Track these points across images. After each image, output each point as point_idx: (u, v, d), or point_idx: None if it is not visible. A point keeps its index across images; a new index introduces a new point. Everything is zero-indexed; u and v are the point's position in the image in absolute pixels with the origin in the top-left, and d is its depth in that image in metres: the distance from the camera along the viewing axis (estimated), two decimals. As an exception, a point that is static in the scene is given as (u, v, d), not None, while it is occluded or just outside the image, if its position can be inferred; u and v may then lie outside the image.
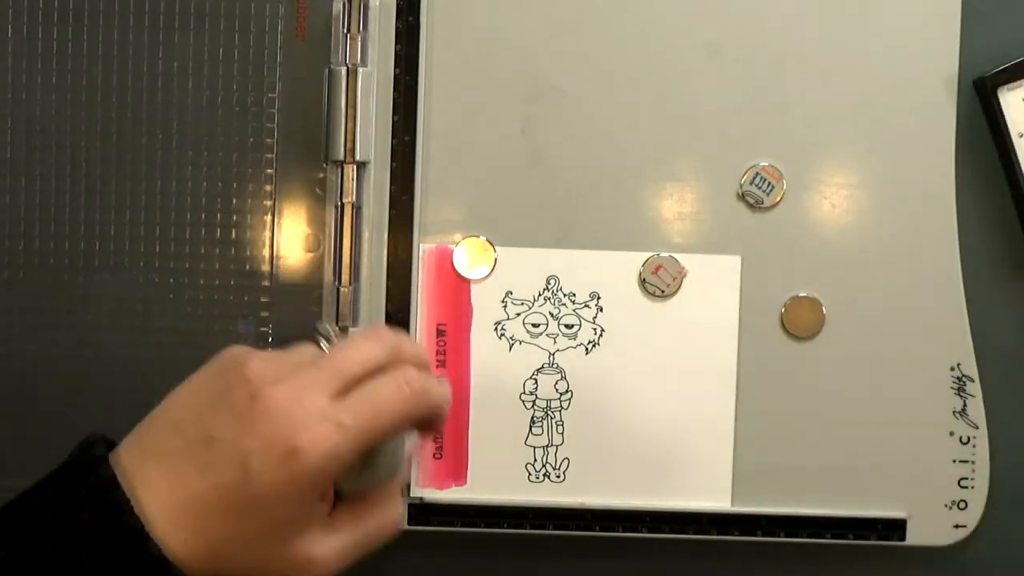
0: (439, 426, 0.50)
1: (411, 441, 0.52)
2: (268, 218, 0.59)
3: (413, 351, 0.50)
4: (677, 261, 0.58)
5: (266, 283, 0.59)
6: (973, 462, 0.59)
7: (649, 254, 0.59)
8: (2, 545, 0.43)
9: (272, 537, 0.45)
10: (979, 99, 0.58)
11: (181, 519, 0.44)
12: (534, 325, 0.59)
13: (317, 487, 0.45)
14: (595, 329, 0.59)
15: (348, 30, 0.57)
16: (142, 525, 0.43)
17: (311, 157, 0.58)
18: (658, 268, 0.58)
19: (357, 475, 0.48)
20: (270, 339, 0.59)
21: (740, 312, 0.59)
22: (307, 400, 0.45)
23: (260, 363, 0.46)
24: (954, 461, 0.59)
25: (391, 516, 0.50)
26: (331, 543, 0.47)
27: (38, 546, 0.43)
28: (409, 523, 0.58)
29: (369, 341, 0.49)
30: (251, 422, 0.45)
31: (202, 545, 0.44)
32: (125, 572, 0.43)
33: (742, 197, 0.58)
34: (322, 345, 0.50)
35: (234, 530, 0.45)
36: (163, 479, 0.45)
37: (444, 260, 0.58)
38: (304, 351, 0.49)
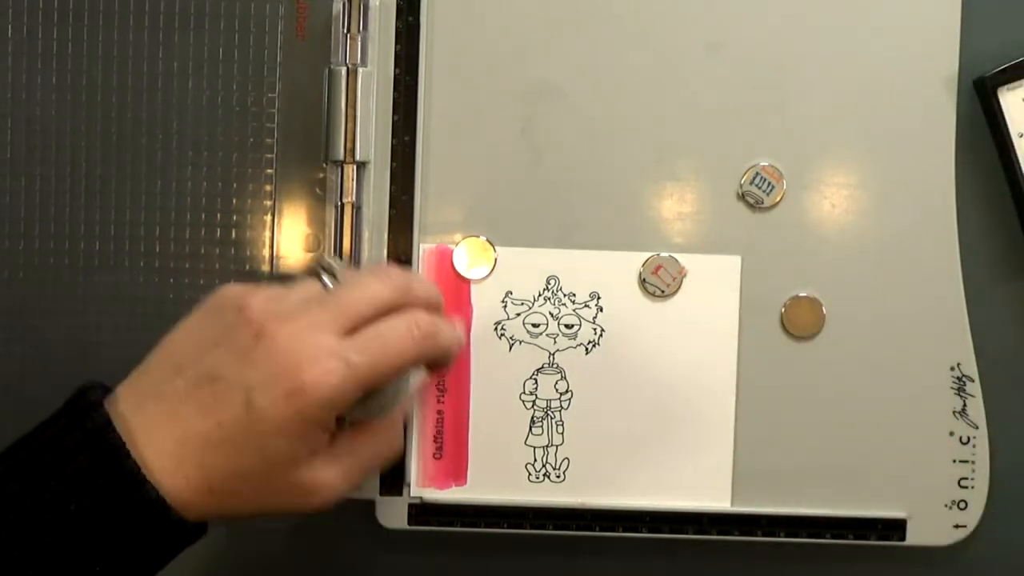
0: (448, 366, 0.51)
1: (417, 376, 0.52)
2: (268, 218, 0.59)
3: (423, 291, 0.50)
4: (677, 261, 0.58)
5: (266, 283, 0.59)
6: (973, 462, 0.59)
7: (649, 254, 0.59)
8: None
9: (275, 471, 0.45)
10: (979, 99, 0.58)
11: (181, 458, 0.44)
12: (534, 325, 0.59)
13: (321, 422, 0.45)
14: (595, 329, 0.59)
15: (348, 30, 0.57)
16: (138, 468, 0.43)
17: (311, 157, 0.58)
18: (658, 268, 0.58)
19: (360, 407, 0.48)
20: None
21: (740, 312, 0.59)
22: (314, 338, 0.45)
23: (262, 302, 0.46)
24: (954, 461, 0.59)
25: (391, 442, 0.50)
26: (333, 470, 0.47)
27: (34, 491, 0.43)
28: (409, 523, 0.58)
29: (378, 281, 0.48)
30: (256, 359, 0.45)
31: (203, 482, 0.44)
32: (122, 515, 0.43)
33: (742, 197, 0.58)
34: (325, 280, 0.49)
35: (237, 466, 0.45)
36: (163, 420, 0.45)
37: (444, 260, 0.58)
38: (307, 287, 0.48)
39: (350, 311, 0.47)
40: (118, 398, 0.46)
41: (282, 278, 0.58)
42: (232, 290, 0.47)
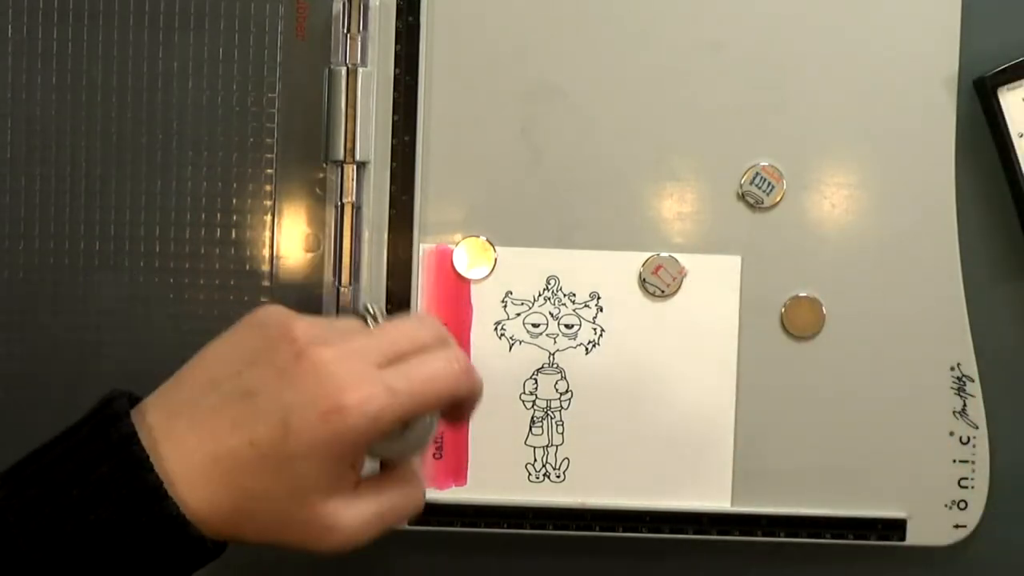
0: (469, 414, 0.51)
1: (435, 425, 0.52)
2: (268, 218, 0.59)
3: (456, 343, 0.50)
4: (677, 261, 0.58)
5: (266, 283, 0.59)
6: (973, 462, 0.59)
7: (649, 254, 0.59)
8: (19, 494, 0.43)
9: (299, 497, 0.45)
10: (979, 99, 0.58)
11: (207, 475, 0.44)
12: (534, 325, 0.59)
13: (355, 449, 0.45)
14: (595, 329, 0.59)
15: (348, 30, 0.57)
16: (160, 482, 0.43)
17: (311, 157, 0.58)
18: (658, 268, 0.58)
19: (388, 442, 0.48)
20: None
21: (740, 312, 0.59)
22: (355, 363, 0.45)
23: (305, 324, 0.46)
24: (954, 461, 0.59)
25: (415, 493, 0.49)
26: (355, 511, 0.46)
27: (55, 498, 0.43)
28: (409, 523, 0.58)
29: (419, 324, 0.49)
30: (295, 378, 0.44)
31: (226, 502, 0.44)
32: (141, 528, 0.43)
33: (742, 197, 0.58)
34: (368, 323, 0.49)
35: (263, 487, 0.44)
36: (192, 434, 0.44)
37: (444, 260, 0.58)
38: (349, 322, 0.49)
39: (392, 345, 0.47)
40: (147, 408, 0.46)
41: (284, 286, 0.59)
42: (274, 309, 0.47)
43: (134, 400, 0.46)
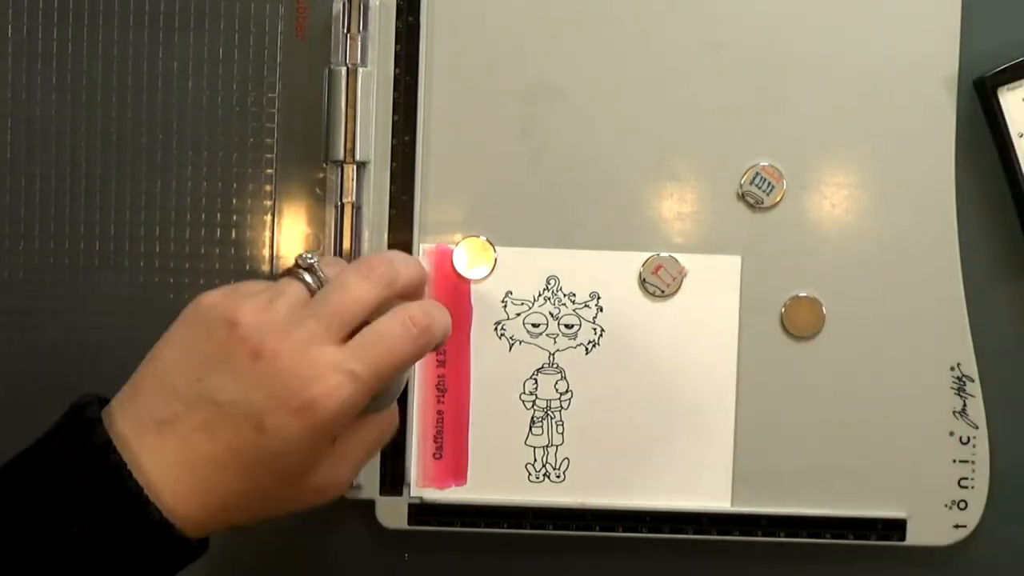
0: (441, 347, 0.52)
1: (405, 378, 0.53)
2: (268, 218, 0.59)
3: (408, 275, 0.49)
4: (677, 261, 0.58)
5: (266, 283, 0.59)
6: (973, 462, 0.59)
7: (649, 254, 0.59)
8: None
9: (286, 483, 0.46)
10: (979, 99, 0.58)
11: (188, 481, 0.44)
12: (534, 325, 0.59)
13: (331, 434, 0.46)
14: (595, 329, 0.59)
15: (348, 30, 0.57)
16: (140, 488, 0.43)
17: (311, 157, 0.58)
18: (658, 268, 0.58)
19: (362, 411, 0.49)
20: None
21: (740, 312, 0.59)
22: (314, 352, 0.45)
23: (251, 315, 0.45)
24: (954, 461, 0.59)
25: (391, 425, 0.51)
26: (341, 468, 0.48)
27: (36, 512, 0.42)
28: (409, 523, 0.58)
29: (363, 279, 0.47)
30: (259, 380, 0.44)
31: (215, 502, 0.44)
32: (126, 536, 0.43)
33: (742, 197, 0.58)
34: (308, 280, 0.48)
35: (249, 485, 0.45)
36: (165, 444, 0.44)
37: (444, 260, 0.58)
38: (291, 291, 0.47)
39: (343, 317, 0.46)
40: (114, 417, 0.45)
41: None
42: (213, 300, 0.46)
43: (103, 402, 0.46)
